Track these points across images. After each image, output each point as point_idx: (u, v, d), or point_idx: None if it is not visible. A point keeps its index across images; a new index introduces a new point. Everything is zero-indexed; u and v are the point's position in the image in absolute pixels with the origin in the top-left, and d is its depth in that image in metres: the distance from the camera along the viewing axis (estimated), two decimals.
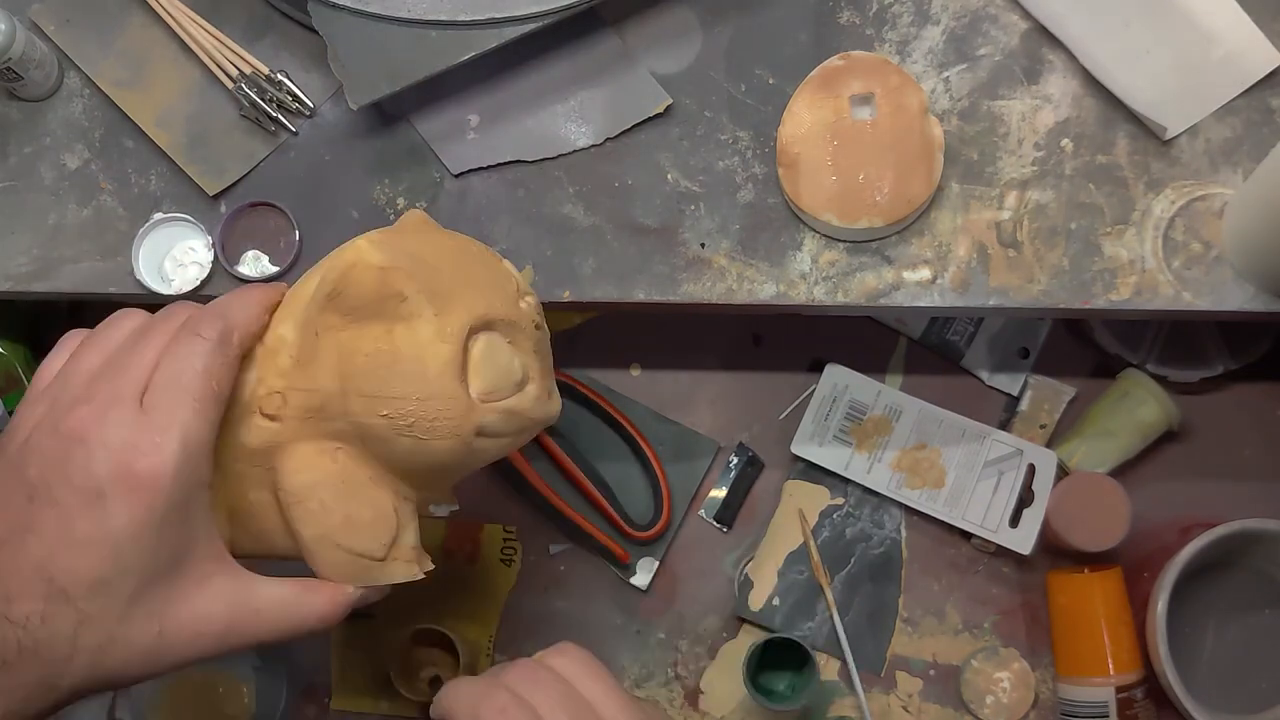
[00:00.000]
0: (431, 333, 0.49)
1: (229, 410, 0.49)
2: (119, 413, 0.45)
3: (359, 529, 0.50)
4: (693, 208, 0.68)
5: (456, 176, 0.69)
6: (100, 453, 0.44)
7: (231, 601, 0.48)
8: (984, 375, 0.83)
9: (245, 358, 0.50)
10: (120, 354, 0.48)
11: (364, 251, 0.49)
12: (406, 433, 0.49)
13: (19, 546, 0.44)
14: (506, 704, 0.46)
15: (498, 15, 0.64)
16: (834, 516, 0.81)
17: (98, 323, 0.51)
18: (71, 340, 0.51)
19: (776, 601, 0.80)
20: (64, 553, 0.44)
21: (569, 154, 0.69)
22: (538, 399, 0.53)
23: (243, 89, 0.69)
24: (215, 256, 0.69)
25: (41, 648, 0.43)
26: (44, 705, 0.45)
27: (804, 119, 0.65)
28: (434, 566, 0.54)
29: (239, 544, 0.52)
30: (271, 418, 0.50)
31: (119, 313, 0.52)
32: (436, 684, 0.80)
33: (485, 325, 0.51)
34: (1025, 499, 0.79)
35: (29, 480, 0.45)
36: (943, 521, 0.80)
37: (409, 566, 0.52)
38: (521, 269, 0.68)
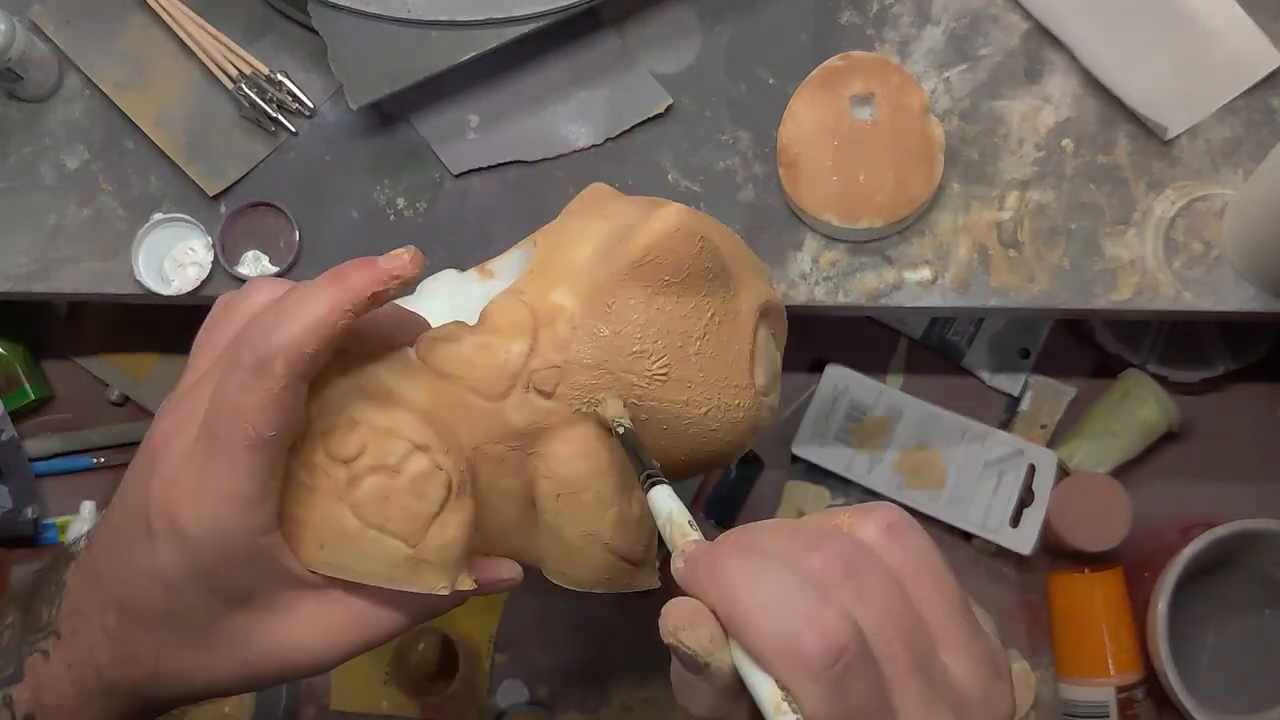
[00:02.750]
0: (733, 309, 0.45)
1: (485, 385, 0.43)
2: (179, 441, 0.40)
3: (628, 528, 0.45)
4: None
5: (456, 176, 0.69)
6: (156, 483, 0.40)
7: (325, 623, 0.43)
8: (985, 375, 0.83)
9: (505, 327, 0.44)
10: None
11: (684, 217, 0.44)
12: (699, 421, 0.44)
13: (118, 556, 0.42)
14: (844, 638, 0.28)
15: (498, 15, 0.64)
16: None
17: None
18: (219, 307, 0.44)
19: None
20: (129, 579, 0.41)
21: (569, 154, 0.69)
22: (768, 395, 0.48)
23: (243, 89, 0.69)
24: (215, 257, 0.69)
25: (129, 661, 0.42)
26: (141, 709, 0.44)
27: (804, 119, 0.65)
28: (658, 584, 0.47)
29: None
30: (547, 395, 0.43)
31: (254, 282, 0.44)
32: (436, 683, 0.80)
33: (764, 312, 0.48)
34: (1026, 499, 0.79)
35: (126, 485, 0.42)
36: (943, 522, 0.80)
37: (653, 573, 0.47)
38: None
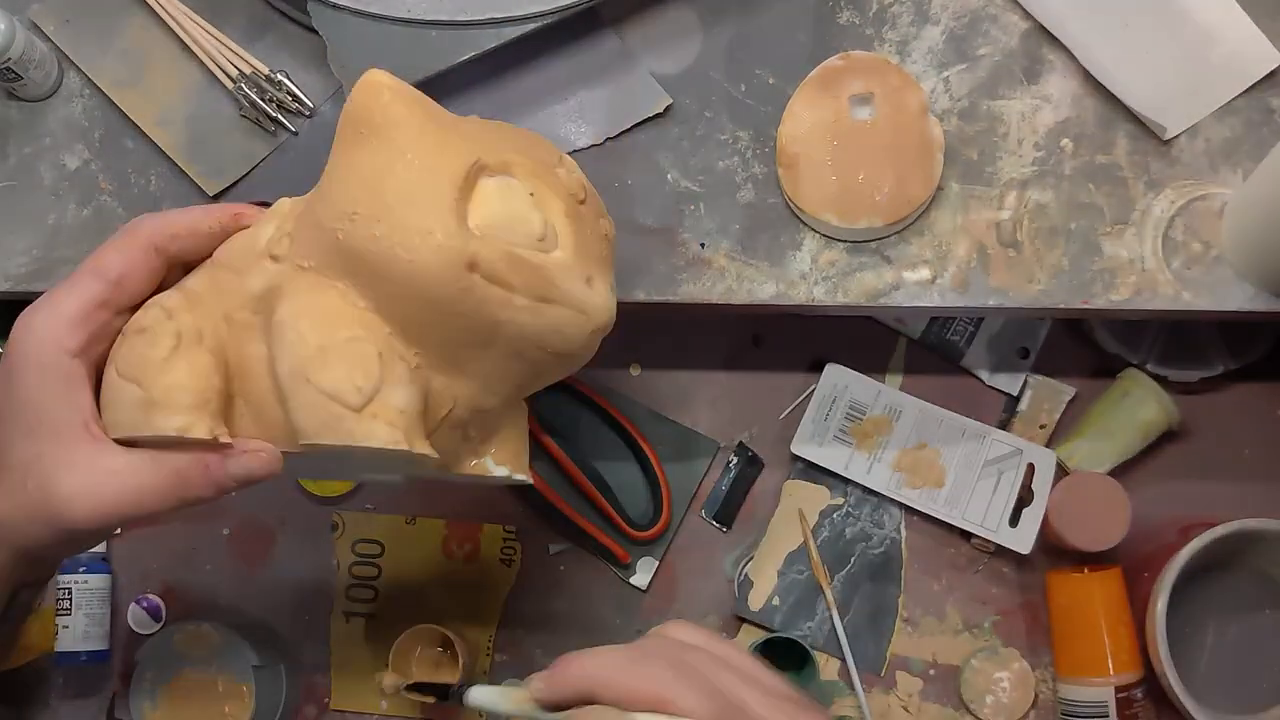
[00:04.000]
0: (432, 152, 0.48)
1: (239, 261, 0.51)
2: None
3: (331, 364, 0.47)
4: (692, 208, 0.68)
5: None
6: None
7: (93, 479, 0.49)
8: (984, 375, 0.83)
9: (268, 215, 0.52)
10: None
11: (373, 74, 0.49)
12: (391, 251, 0.46)
13: None
14: (682, 660, 0.40)
15: (498, 15, 0.64)
16: (834, 516, 0.81)
17: None
18: None
19: (776, 601, 0.80)
20: None
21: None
22: (570, 272, 0.50)
23: (243, 89, 0.69)
24: None
25: None
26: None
27: (804, 119, 0.65)
28: (435, 455, 0.49)
29: (241, 425, 0.50)
30: (275, 259, 0.49)
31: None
32: (430, 693, 0.80)
33: (502, 169, 0.50)
34: (1025, 499, 0.79)
35: None
36: (942, 521, 0.80)
37: (393, 432, 0.47)
38: None
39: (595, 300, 0.52)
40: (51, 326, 0.49)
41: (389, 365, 0.48)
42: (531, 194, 0.51)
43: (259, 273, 0.50)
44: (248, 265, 0.51)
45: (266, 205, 0.69)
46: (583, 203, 0.53)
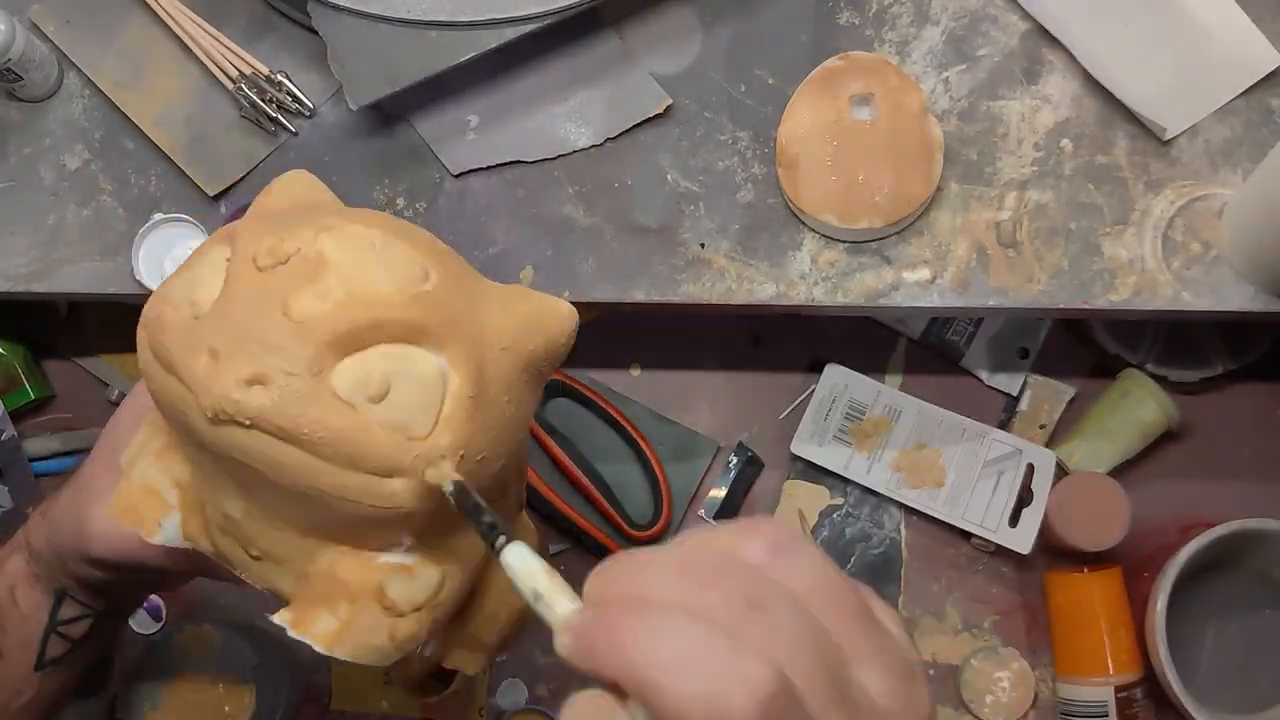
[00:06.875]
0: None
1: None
2: None
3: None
4: (692, 208, 0.68)
5: (456, 177, 0.69)
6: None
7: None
8: (983, 375, 0.83)
9: None
10: None
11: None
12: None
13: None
14: (772, 686, 0.26)
15: (498, 15, 0.64)
16: (834, 516, 0.81)
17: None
18: None
19: None
20: None
21: (569, 154, 0.69)
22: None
23: (243, 89, 0.69)
24: None
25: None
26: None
27: (804, 119, 0.65)
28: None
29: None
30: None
31: None
32: (435, 683, 0.80)
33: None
34: (1024, 499, 0.79)
35: None
36: (942, 521, 0.80)
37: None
38: (521, 269, 0.68)
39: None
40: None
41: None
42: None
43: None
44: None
45: None
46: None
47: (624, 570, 0.28)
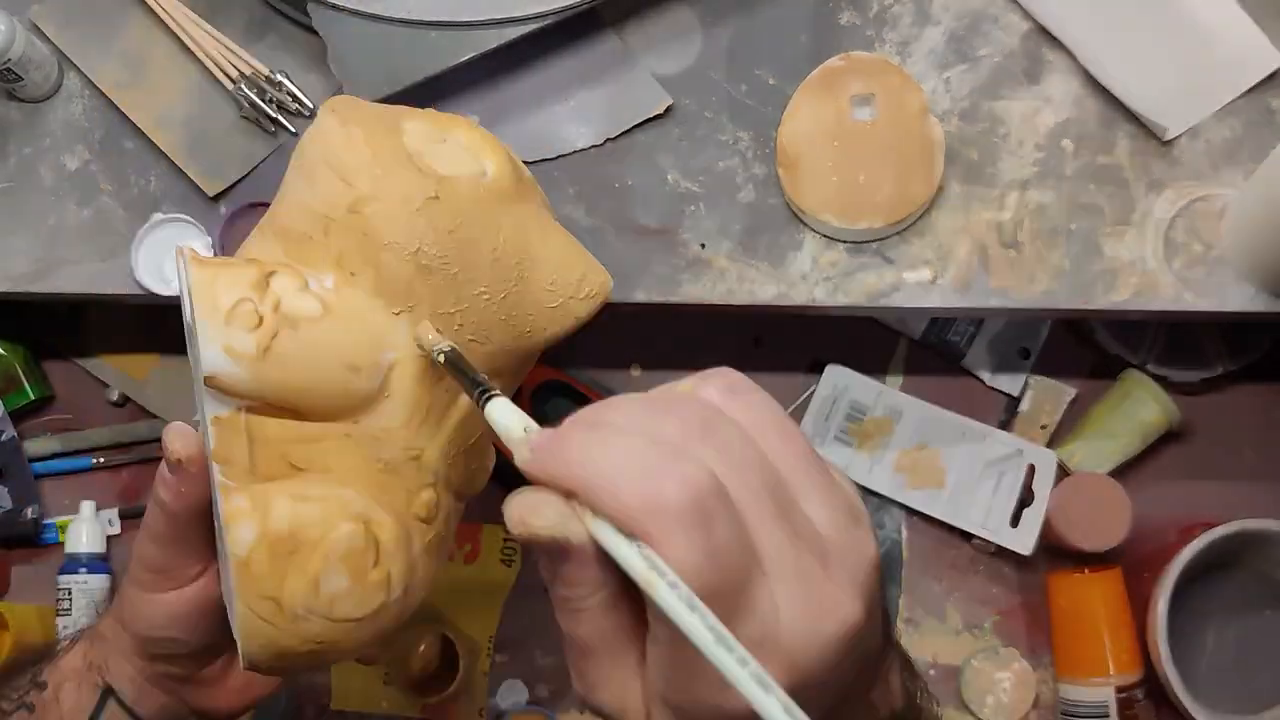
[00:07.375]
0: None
1: None
2: None
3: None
4: (693, 208, 0.68)
5: None
6: None
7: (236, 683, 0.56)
8: (984, 376, 0.83)
9: None
10: None
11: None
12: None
13: None
14: (704, 480, 0.27)
15: (498, 15, 0.64)
16: None
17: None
18: None
19: None
20: None
21: (569, 154, 0.69)
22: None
23: (242, 90, 0.69)
24: (215, 257, 0.69)
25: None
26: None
27: (804, 119, 0.65)
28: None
29: None
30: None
31: None
32: (435, 683, 0.80)
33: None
34: (1025, 499, 0.79)
35: None
36: (943, 522, 0.80)
37: None
38: None
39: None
40: None
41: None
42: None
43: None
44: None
45: (266, 206, 0.69)
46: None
47: (591, 406, 0.31)
